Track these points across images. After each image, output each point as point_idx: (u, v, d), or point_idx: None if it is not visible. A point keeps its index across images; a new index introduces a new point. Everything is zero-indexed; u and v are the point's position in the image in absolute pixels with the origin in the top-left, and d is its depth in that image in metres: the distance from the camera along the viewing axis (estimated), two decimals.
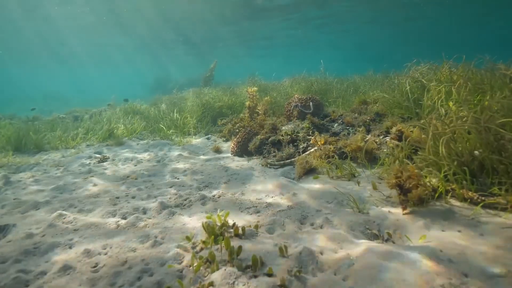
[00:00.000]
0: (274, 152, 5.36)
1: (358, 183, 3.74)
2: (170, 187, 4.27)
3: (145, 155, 6.52)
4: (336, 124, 5.82)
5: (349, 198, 3.20)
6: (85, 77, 79.75)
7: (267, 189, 3.76)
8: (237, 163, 5.36)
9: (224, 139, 7.73)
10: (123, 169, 5.49)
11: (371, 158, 4.47)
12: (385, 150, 4.54)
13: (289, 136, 5.29)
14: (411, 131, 4.15)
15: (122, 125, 8.87)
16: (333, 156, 4.56)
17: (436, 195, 2.94)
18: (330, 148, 4.68)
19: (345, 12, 25.94)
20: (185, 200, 3.70)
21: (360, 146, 4.31)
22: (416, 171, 2.73)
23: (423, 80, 5.10)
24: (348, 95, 9.36)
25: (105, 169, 5.64)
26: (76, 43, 34.80)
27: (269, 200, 3.43)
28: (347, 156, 4.59)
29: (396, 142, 3.96)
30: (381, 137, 4.97)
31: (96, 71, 70.12)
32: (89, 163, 6.16)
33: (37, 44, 33.83)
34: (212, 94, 10.30)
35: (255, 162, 5.34)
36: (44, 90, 48.16)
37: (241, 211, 3.23)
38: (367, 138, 4.59)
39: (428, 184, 2.85)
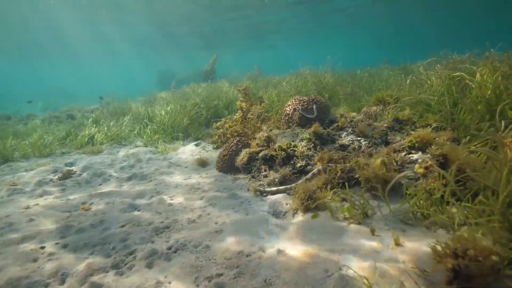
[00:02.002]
0: (265, 171, 4.26)
1: (373, 231, 2.60)
2: (122, 226, 3.22)
3: (117, 169, 5.50)
4: (344, 133, 4.65)
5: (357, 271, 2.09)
6: (92, 73, 79.54)
7: (243, 240, 2.66)
8: (219, 184, 4.28)
9: (215, 146, 6.66)
10: (83, 191, 4.48)
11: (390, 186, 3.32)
12: (409, 174, 3.38)
13: (283, 152, 4.17)
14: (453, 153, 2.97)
15: (103, 130, 7.87)
16: (339, 184, 3.43)
17: (504, 270, 1.80)
18: (337, 170, 3.54)
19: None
20: (130, 254, 2.65)
21: (379, 175, 3.15)
22: (494, 257, 1.57)
23: (464, 74, 3.85)
24: (361, 91, 8.11)
25: (63, 189, 4.65)
26: (81, 36, 34.24)
27: (243, 261, 2.34)
28: (358, 181, 3.48)
29: (438, 170, 2.79)
30: (404, 154, 3.80)
31: (103, 66, 69.82)
32: (51, 179, 5.19)
33: (47, 39, 33.60)
34: (204, 94, 9.15)
35: (241, 183, 4.25)
36: (57, 86, 48.00)
37: (197, 285, 2.16)
38: (385, 157, 3.42)
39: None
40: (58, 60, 53.81)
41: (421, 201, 2.74)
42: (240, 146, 4.88)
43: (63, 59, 51.92)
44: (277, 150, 4.21)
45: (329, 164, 3.73)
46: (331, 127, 4.88)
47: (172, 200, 3.86)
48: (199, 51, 41.98)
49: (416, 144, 3.79)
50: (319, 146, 4.36)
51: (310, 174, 3.73)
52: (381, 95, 6.74)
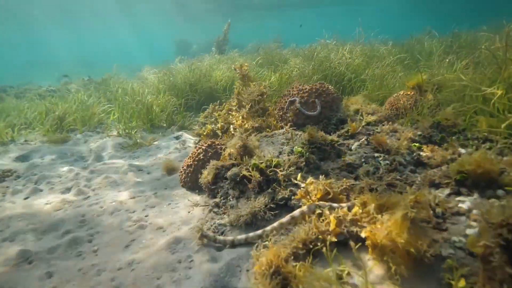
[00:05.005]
0: (234, 198, 2.93)
1: None
2: None
3: (64, 171, 4.36)
4: (356, 144, 3.19)
5: None
6: (116, 42, 78.69)
7: None
8: (169, 212, 3.02)
9: (198, 140, 5.37)
10: None
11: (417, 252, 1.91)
12: (456, 241, 1.95)
13: (259, 174, 2.80)
14: None
15: (76, 113, 6.73)
16: (334, 245, 2.06)
17: None
18: (330, 220, 2.17)
19: None
20: None
21: (398, 244, 1.78)
22: None
23: None
24: (396, 72, 6.39)
25: None
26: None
27: None
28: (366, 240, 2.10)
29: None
30: (447, 192, 2.33)
31: (126, 35, 68.95)
32: None
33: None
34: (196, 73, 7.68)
35: (198, 215, 2.97)
36: (79, 55, 47.85)
37: None
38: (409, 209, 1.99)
39: None
40: (83, 29, 53.51)
41: None
42: (210, 154, 3.55)
43: (89, 28, 51.58)
44: (252, 169, 2.85)
45: (320, 204, 2.34)
46: (337, 132, 3.43)
47: (89, 242, 2.65)
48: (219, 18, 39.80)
49: (469, 178, 2.31)
50: (314, 165, 2.95)
51: (288, 217, 2.37)
52: (415, 80, 5.15)
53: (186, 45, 29.15)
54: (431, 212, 2.16)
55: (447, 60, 5.67)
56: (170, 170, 4.18)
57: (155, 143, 5.44)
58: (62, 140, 5.85)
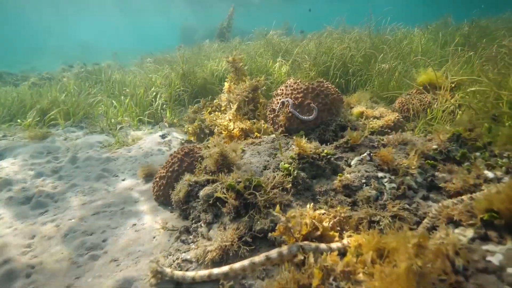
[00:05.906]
0: (205, 223, 2.44)
1: None
2: None
3: (31, 176, 3.92)
4: (356, 159, 2.64)
5: None
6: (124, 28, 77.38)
7: None
8: (131, 237, 2.54)
9: (183, 141, 4.87)
10: None
11: None
12: None
13: (236, 198, 2.28)
14: None
15: (62, 105, 6.26)
16: None
17: None
18: (314, 275, 1.66)
19: None
20: None
21: None
22: None
23: None
24: (406, 65, 5.74)
25: None
26: None
27: None
28: None
29: None
30: (471, 235, 1.79)
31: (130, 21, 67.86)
32: None
33: None
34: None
35: (163, 241, 2.49)
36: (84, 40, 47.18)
37: None
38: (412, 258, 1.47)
39: None
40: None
41: None
42: (186, 164, 3.05)
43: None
44: (227, 191, 2.33)
45: (304, 246, 1.83)
46: (335, 143, 2.88)
47: (27, 277, 2.19)
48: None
49: (500, 218, 1.76)
50: (304, 185, 2.43)
51: (262, 256, 1.88)
52: (427, 78, 4.56)
53: (191, 32, 28.29)
54: (449, 264, 1.64)
55: (463, 53, 5.02)
56: (148, 176, 3.70)
57: (139, 142, 4.96)
58: (41, 136, 5.40)
